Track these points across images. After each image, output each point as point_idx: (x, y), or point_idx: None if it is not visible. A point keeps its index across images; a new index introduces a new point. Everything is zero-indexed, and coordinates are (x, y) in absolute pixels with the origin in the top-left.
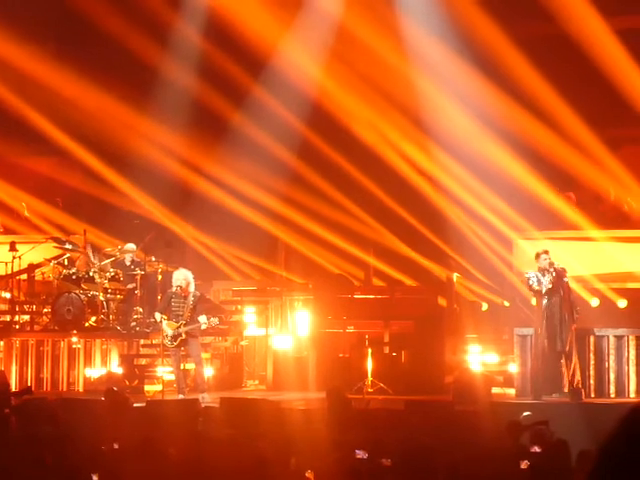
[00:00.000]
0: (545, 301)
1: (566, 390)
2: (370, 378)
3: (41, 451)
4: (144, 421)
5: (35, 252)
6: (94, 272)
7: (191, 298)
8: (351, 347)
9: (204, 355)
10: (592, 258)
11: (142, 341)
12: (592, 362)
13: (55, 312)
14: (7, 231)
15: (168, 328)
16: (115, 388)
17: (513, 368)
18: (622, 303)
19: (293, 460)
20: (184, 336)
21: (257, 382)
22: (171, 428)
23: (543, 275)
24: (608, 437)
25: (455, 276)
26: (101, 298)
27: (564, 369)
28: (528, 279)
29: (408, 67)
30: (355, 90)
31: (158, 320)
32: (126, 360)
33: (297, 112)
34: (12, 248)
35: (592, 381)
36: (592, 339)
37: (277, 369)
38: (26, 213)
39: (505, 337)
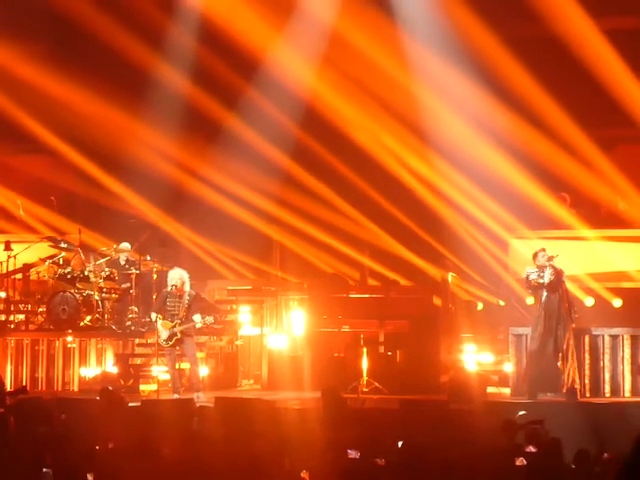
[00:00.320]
0: (544, 298)
1: (563, 390)
2: (365, 377)
3: (39, 451)
4: (139, 421)
5: (30, 251)
6: (89, 271)
7: (186, 297)
8: (346, 346)
9: (199, 354)
10: (586, 258)
11: (137, 340)
12: (587, 361)
13: (50, 311)
14: (1, 231)
15: (163, 328)
16: (110, 387)
17: (508, 367)
18: (617, 302)
19: (287, 460)
20: (179, 335)
21: (252, 381)
22: (166, 428)
23: (543, 271)
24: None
25: (450, 276)
26: (96, 297)
27: (561, 369)
28: (528, 275)
29: (400, 69)
30: (347, 92)
31: (154, 320)
32: (121, 359)
33: (290, 114)
34: (7, 247)
35: (587, 380)
36: (587, 338)
37: (272, 368)
38: (21, 212)
39: (500, 337)
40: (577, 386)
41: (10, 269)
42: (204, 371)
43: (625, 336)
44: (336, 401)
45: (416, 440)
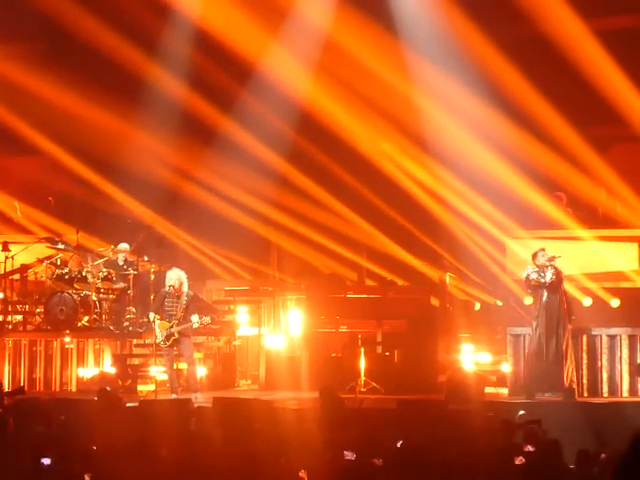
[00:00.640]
0: (545, 298)
1: (562, 390)
2: (363, 377)
3: (38, 452)
4: (137, 421)
5: (28, 252)
6: (87, 272)
7: (184, 298)
8: (344, 347)
9: (197, 355)
10: (583, 258)
11: (135, 341)
12: (585, 361)
13: (48, 312)
14: None
15: (161, 328)
16: (108, 388)
17: (506, 367)
18: (615, 302)
19: (283, 459)
20: (176, 335)
21: (250, 382)
22: (164, 428)
23: (543, 271)
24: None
25: (448, 276)
26: (94, 298)
27: (560, 369)
28: (529, 275)
29: (392, 72)
30: (342, 95)
31: (152, 320)
32: (119, 360)
33: (286, 117)
34: (4, 248)
35: (585, 380)
36: (585, 338)
37: (270, 369)
38: (18, 213)
39: (498, 336)
40: (574, 386)
41: (8, 270)
42: (202, 371)
43: (623, 336)
44: (334, 401)
45: (414, 440)
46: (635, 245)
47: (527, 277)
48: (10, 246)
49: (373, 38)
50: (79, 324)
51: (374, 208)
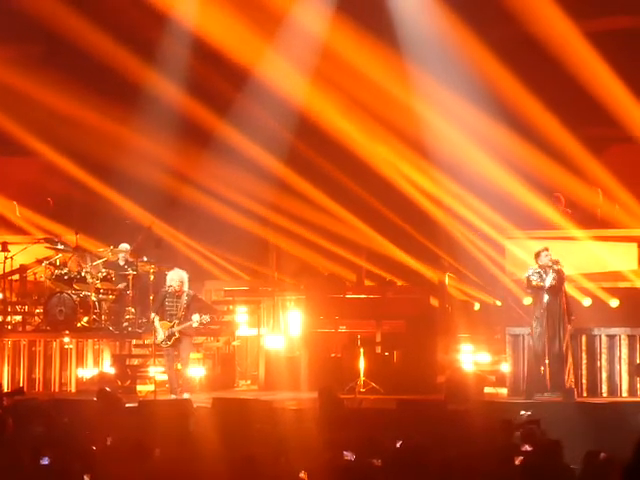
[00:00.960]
0: (546, 299)
1: (562, 390)
2: (362, 378)
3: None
4: (136, 421)
5: (27, 253)
6: (86, 272)
7: (185, 297)
8: (343, 347)
9: (196, 355)
10: (581, 258)
11: (134, 341)
12: (584, 361)
13: (47, 312)
14: None
15: (162, 328)
16: (107, 388)
17: (505, 367)
18: (614, 303)
19: (282, 459)
20: (177, 335)
21: (249, 382)
22: (163, 428)
23: (545, 272)
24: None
25: (447, 276)
26: (93, 298)
27: (562, 369)
28: (528, 276)
29: (388, 77)
30: (337, 98)
31: (153, 320)
32: (118, 360)
33: (284, 121)
34: (4, 249)
35: (584, 380)
36: (584, 338)
37: (269, 369)
38: (17, 214)
39: (497, 337)
40: (573, 386)
41: (7, 270)
42: (201, 372)
43: (622, 336)
44: (333, 401)
45: (413, 440)
46: (634, 245)
47: (528, 278)
48: (9, 246)
49: (369, 42)
50: (78, 324)
51: (373, 210)
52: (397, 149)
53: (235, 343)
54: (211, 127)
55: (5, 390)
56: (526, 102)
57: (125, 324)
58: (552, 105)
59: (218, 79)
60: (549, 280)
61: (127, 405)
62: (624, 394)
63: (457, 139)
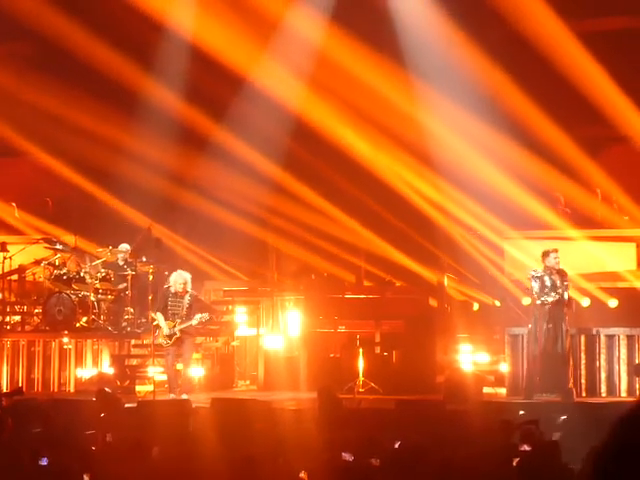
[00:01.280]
0: (548, 300)
1: (561, 390)
2: (361, 378)
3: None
4: (135, 421)
5: (26, 253)
6: (85, 272)
7: (187, 297)
8: (342, 347)
9: (195, 355)
10: (581, 258)
11: (133, 341)
12: (583, 361)
13: (46, 312)
14: None
15: (165, 327)
16: (106, 388)
17: (504, 368)
18: (613, 303)
19: (281, 459)
20: (178, 334)
21: (248, 382)
22: (162, 428)
23: (551, 274)
24: (602, 447)
25: (446, 277)
26: (92, 298)
27: (565, 370)
28: (532, 286)
29: (384, 81)
30: (334, 103)
31: (157, 319)
32: (117, 360)
33: (281, 125)
34: (3, 249)
35: (583, 380)
36: (583, 338)
37: (268, 369)
38: (16, 214)
39: (496, 337)
40: (572, 386)
41: (6, 270)
42: (200, 372)
43: (621, 336)
44: (332, 401)
45: (412, 440)
46: (633, 245)
47: (529, 282)
48: (8, 247)
49: (364, 48)
50: (77, 325)
51: (371, 211)
52: (394, 152)
53: (234, 343)
54: (208, 131)
55: (4, 390)
56: (522, 104)
57: (124, 324)
58: (548, 106)
59: (215, 84)
60: (552, 297)
61: (126, 405)
62: (623, 394)
63: (453, 141)
